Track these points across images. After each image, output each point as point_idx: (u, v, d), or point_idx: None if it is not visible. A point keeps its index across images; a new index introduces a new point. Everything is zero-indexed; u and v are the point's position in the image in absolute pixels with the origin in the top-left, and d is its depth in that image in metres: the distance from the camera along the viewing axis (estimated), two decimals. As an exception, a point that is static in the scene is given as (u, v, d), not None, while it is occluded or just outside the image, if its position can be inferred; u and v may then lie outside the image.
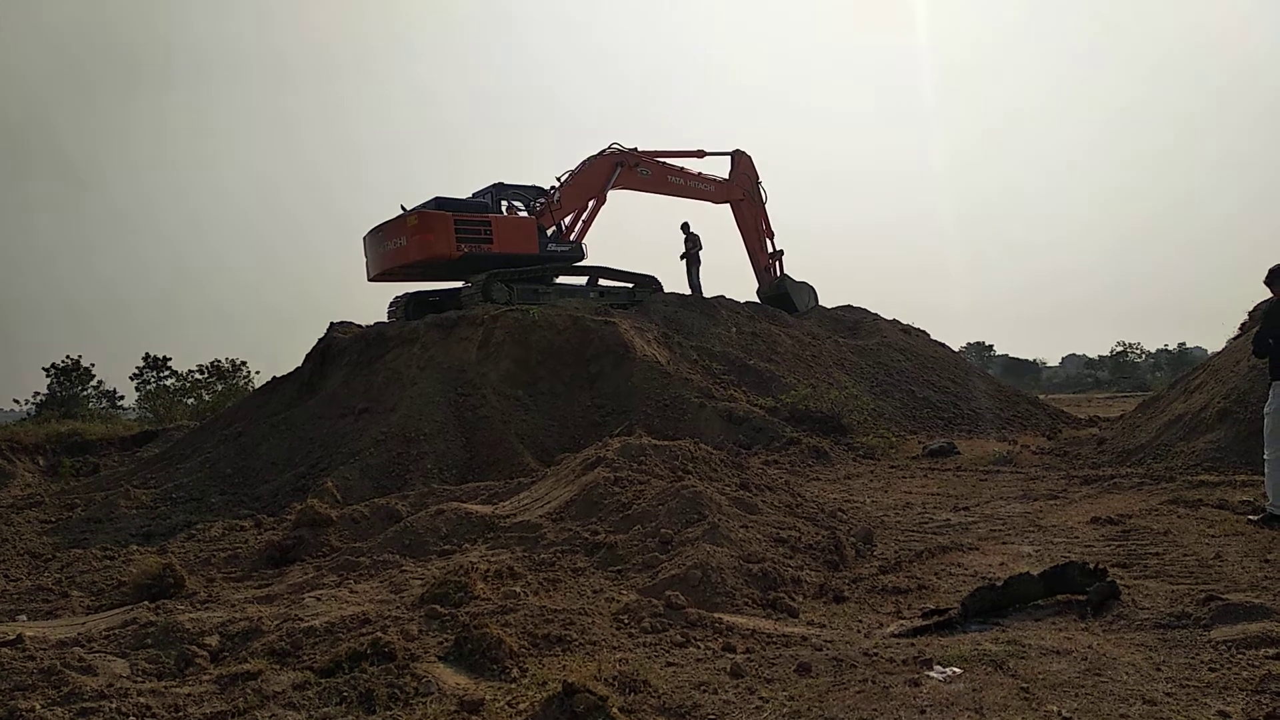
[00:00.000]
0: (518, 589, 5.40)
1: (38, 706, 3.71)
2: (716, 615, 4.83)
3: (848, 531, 6.84)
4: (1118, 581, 4.98)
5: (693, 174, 21.51)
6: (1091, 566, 4.89)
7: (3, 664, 4.59)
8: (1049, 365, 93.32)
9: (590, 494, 7.16)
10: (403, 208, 17.72)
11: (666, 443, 8.34)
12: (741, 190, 22.15)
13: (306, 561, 7.39)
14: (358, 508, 8.62)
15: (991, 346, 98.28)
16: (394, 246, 17.58)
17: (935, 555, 6.27)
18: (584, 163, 19.85)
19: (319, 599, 5.67)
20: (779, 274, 22.52)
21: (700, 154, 21.76)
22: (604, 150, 20.04)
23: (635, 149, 20.32)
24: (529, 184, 19.40)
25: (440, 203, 17.60)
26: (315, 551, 7.70)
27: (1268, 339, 6.97)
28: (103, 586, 7.42)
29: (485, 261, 17.65)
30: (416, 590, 5.64)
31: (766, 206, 22.57)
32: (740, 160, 22.33)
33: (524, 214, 18.93)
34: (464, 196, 18.52)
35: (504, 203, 18.89)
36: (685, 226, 21.36)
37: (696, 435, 12.79)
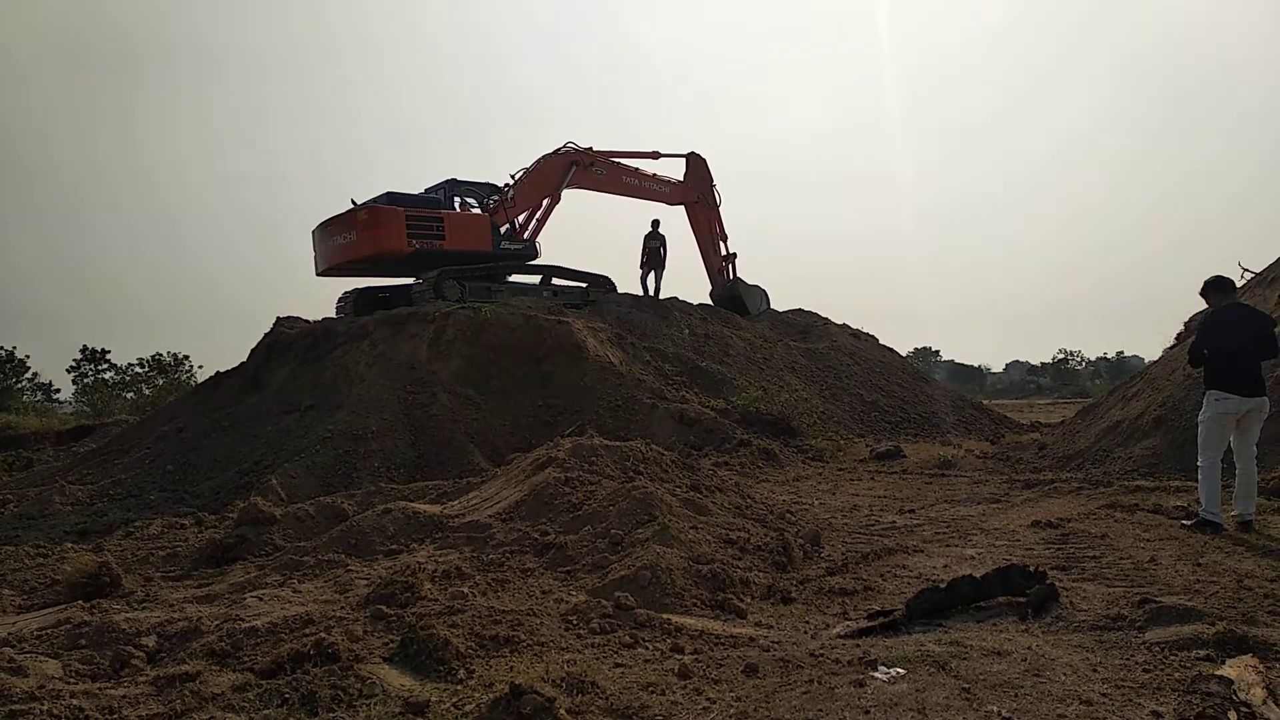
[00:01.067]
0: (465, 589, 5.35)
1: (-37, 710, 3.57)
2: (665, 616, 4.84)
3: (796, 533, 6.90)
4: (1057, 584, 5.11)
5: (648, 175, 21.54)
6: (1032, 569, 5.00)
7: (-73, 666, 4.44)
8: (993, 371, 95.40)
9: (541, 494, 7.13)
10: (353, 201, 17.43)
11: (618, 443, 8.34)
12: (696, 192, 22.19)
13: (249, 561, 7.23)
14: (303, 506, 8.46)
15: (938, 352, 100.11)
16: (343, 241, 17.29)
17: (881, 557, 6.36)
18: (539, 160, 19.75)
19: (261, 599, 5.56)
20: (732, 277, 22.63)
21: (655, 155, 21.78)
22: (559, 149, 19.96)
23: (590, 148, 20.26)
24: (483, 181, 19.26)
25: (392, 198, 17.38)
26: (258, 550, 7.54)
27: (1202, 349, 7.19)
28: (35, 585, 7.17)
29: (437, 258, 17.47)
30: (362, 590, 5.56)
31: (721, 210, 22.69)
32: (695, 163, 22.38)
33: (477, 210, 18.78)
34: (416, 192, 18.31)
35: (457, 199, 18.71)
36: (656, 224, 21.10)
37: (649, 436, 12.81)
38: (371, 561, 6.49)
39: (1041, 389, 64.24)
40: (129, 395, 32.51)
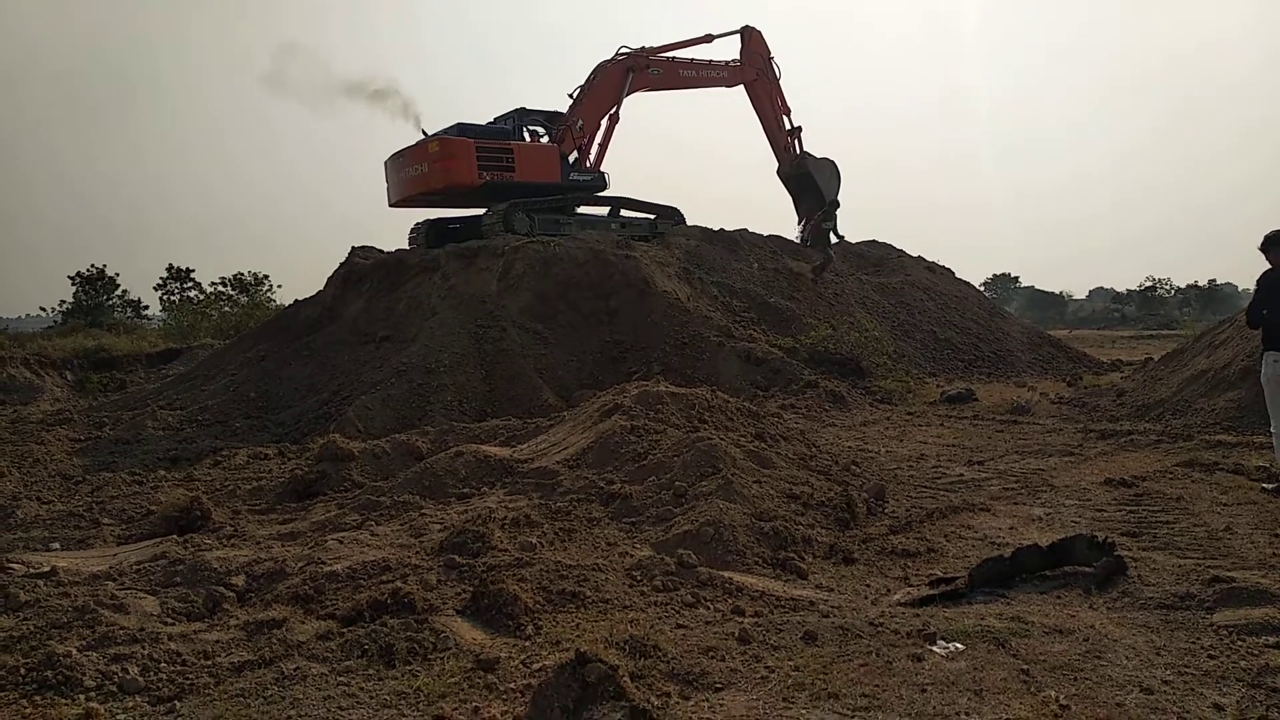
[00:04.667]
0: (534, 539, 5.53)
1: (74, 652, 3.87)
2: (727, 575, 4.94)
3: (860, 487, 6.91)
4: (1126, 552, 5.05)
5: (703, 62, 20.79)
6: (1099, 540, 4.94)
7: (39, 600, 4.80)
8: (1075, 299, 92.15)
9: (607, 442, 7.25)
10: (424, 132, 17.56)
11: (683, 390, 8.39)
12: (754, 69, 21.32)
13: (329, 497, 7.57)
14: (379, 443, 8.78)
15: (1017, 278, 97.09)
16: (415, 173, 17.45)
17: (946, 515, 6.33)
18: (594, 73, 19.39)
19: (341, 541, 5.84)
20: (799, 151, 21.74)
21: (708, 38, 20.95)
22: (613, 56, 19.53)
23: (643, 48, 19.80)
24: (551, 110, 19.11)
25: (463, 129, 17.42)
26: (337, 486, 7.89)
27: (1261, 309, 6.87)
28: (132, 514, 7.64)
29: (507, 190, 17.53)
30: (436, 536, 5.79)
31: (781, 83, 21.74)
32: (751, 38, 21.39)
33: (546, 141, 18.70)
34: (485, 123, 18.27)
35: (526, 129, 18.66)
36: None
37: (714, 375, 12.89)
38: (445, 504, 6.71)
39: (1126, 318, 61.83)
40: (212, 314, 33.76)
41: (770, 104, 21.65)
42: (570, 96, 19.21)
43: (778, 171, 22.00)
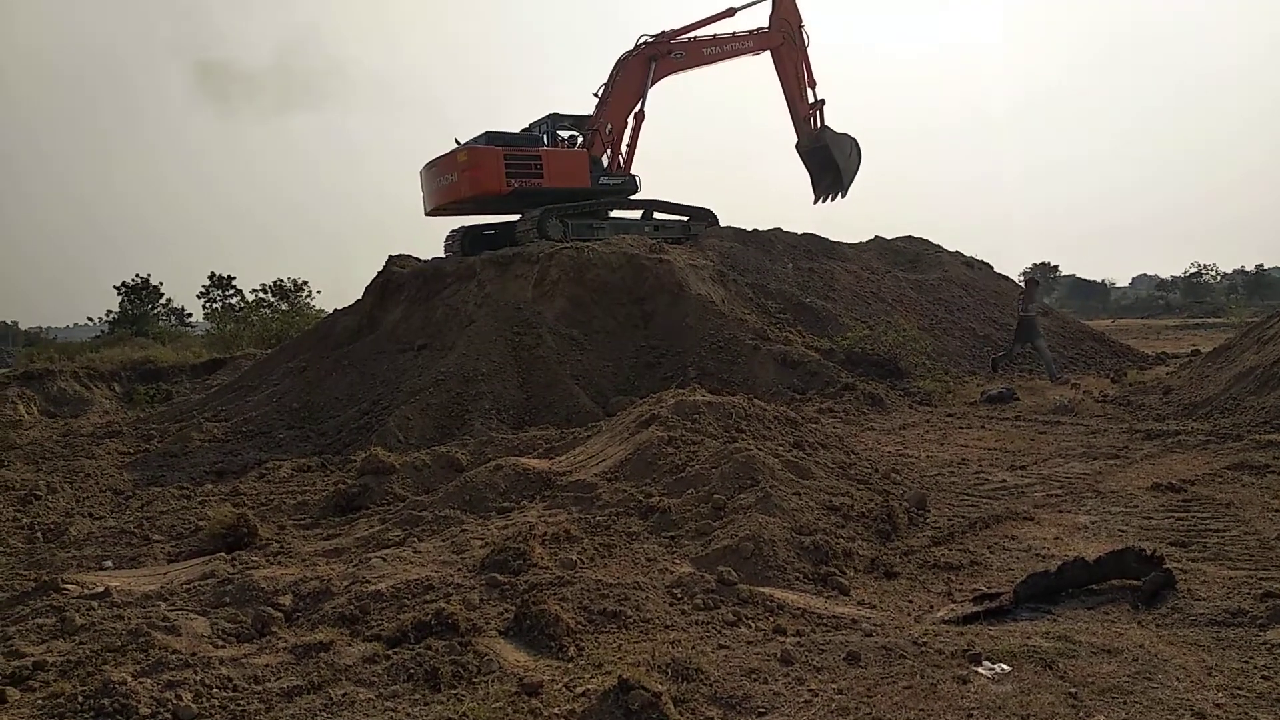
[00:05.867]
0: (574, 556, 5.56)
1: (129, 679, 3.96)
2: (768, 591, 4.93)
3: (901, 496, 6.87)
4: (1174, 564, 4.96)
5: (726, 36, 20.46)
6: (1148, 553, 4.85)
7: (94, 623, 4.93)
8: (1118, 286, 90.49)
9: (644, 453, 7.26)
10: (456, 141, 17.73)
11: (720, 399, 8.38)
12: (781, 35, 20.77)
13: (372, 511, 7.68)
14: (420, 456, 8.88)
15: (1057, 267, 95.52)
16: (446, 182, 17.73)
17: (989, 525, 6.26)
18: (615, 68, 19.32)
19: (384, 559, 5.91)
20: (819, 124, 21.22)
21: (730, 12, 20.55)
22: (633, 48, 19.40)
23: (663, 33, 19.63)
24: (582, 114, 19.17)
25: (490, 137, 17.64)
26: (380, 500, 8.00)
27: None
28: (181, 531, 7.82)
29: (537, 196, 17.65)
30: (477, 552, 5.84)
31: (809, 51, 21.23)
32: (781, 2, 20.88)
33: (577, 145, 18.77)
34: (517, 130, 18.39)
35: (560, 134, 18.76)
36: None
37: (750, 379, 12.86)
38: (485, 519, 6.77)
39: (1170, 306, 60.53)
40: (253, 319, 34.38)
41: (794, 72, 21.06)
42: (595, 96, 19.24)
43: (796, 145, 21.61)
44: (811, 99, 21.34)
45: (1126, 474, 7.81)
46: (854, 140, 21.53)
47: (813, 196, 22.16)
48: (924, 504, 6.77)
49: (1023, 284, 15.70)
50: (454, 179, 17.50)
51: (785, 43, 20.88)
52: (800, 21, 21.09)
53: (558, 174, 17.85)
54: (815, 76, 21.31)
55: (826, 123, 21.29)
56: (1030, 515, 6.53)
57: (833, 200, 22.00)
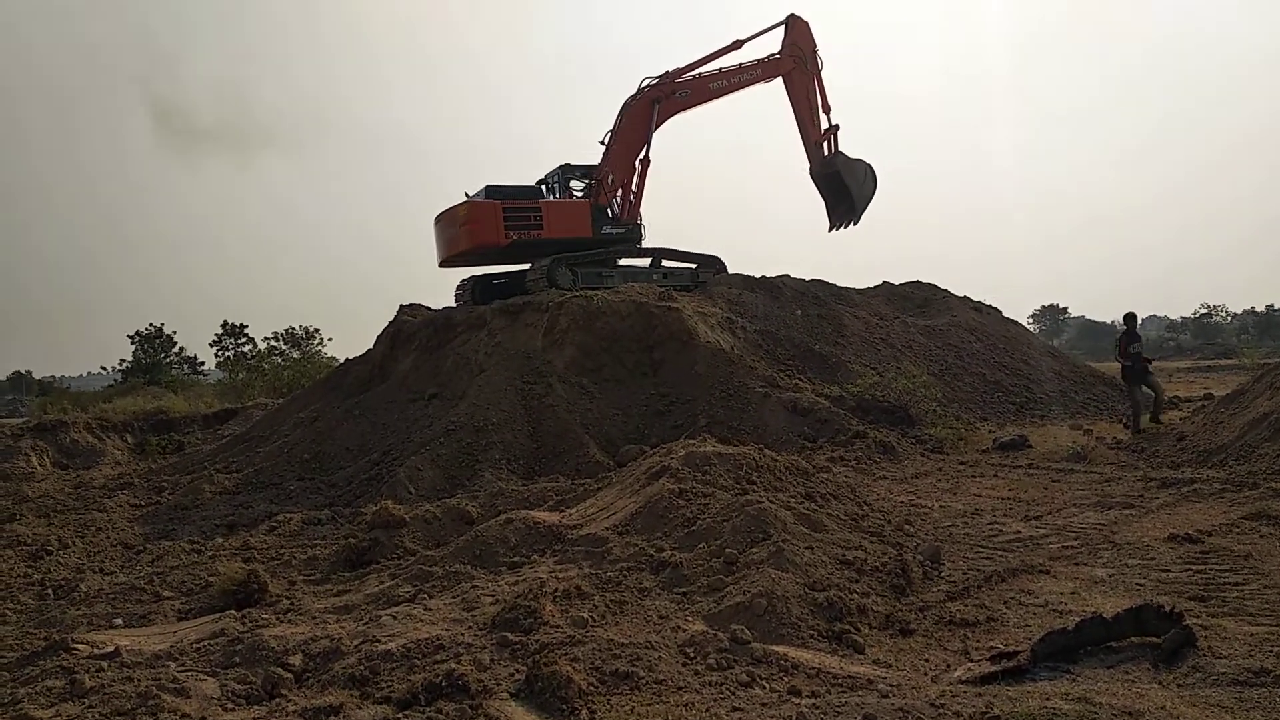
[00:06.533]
0: (586, 614, 5.51)
1: (139, 746, 3.93)
2: (781, 650, 4.87)
3: (915, 549, 6.81)
4: (1194, 619, 4.89)
5: (733, 69, 20.36)
6: (1167, 609, 4.79)
7: (103, 685, 4.90)
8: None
9: (655, 506, 7.24)
10: (466, 194, 18.06)
11: (731, 449, 8.36)
12: (792, 60, 20.62)
13: (382, 566, 7.66)
14: (430, 508, 8.87)
15: (1066, 309, 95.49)
16: (451, 235, 18.27)
17: (1005, 579, 6.19)
18: (621, 113, 19.49)
19: (395, 617, 5.87)
20: (833, 150, 20.90)
21: (737, 44, 20.42)
22: (637, 92, 19.52)
23: (666, 73, 19.70)
24: (590, 164, 19.42)
25: (490, 191, 18.10)
26: (390, 554, 7.98)
27: None
28: (191, 586, 7.80)
29: (537, 247, 18.01)
30: (488, 609, 5.81)
31: (823, 75, 21.02)
32: (796, 26, 20.70)
33: (580, 196, 19.06)
34: (519, 183, 18.76)
35: (571, 183, 19.05)
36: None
37: (761, 426, 12.83)
38: (496, 574, 6.74)
39: (1181, 348, 60.30)
40: (264, 367, 34.62)
41: (805, 97, 20.86)
42: (602, 144, 19.47)
43: (809, 172, 21.40)
44: (826, 124, 21.10)
45: (1142, 524, 7.73)
46: (868, 166, 21.22)
47: (828, 225, 21.89)
48: (938, 557, 6.71)
49: (1122, 323, 14.11)
50: (456, 232, 18.03)
51: (796, 68, 20.73)
52: (814, 46, 20.98)
53: (558, 225, 18.21)
54: (830, 101, 21.14)
55: (840, 148, 21.03)
56: (1046, 568, 6.46)
57: (846, 228, 21.71)
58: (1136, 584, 5.98)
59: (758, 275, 19.33)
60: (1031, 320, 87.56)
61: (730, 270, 20.08)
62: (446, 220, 18.49)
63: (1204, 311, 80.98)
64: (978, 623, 5.39)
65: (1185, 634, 4.64)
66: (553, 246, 18.02)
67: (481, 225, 17.63)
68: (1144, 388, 13.56)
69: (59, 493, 13.51)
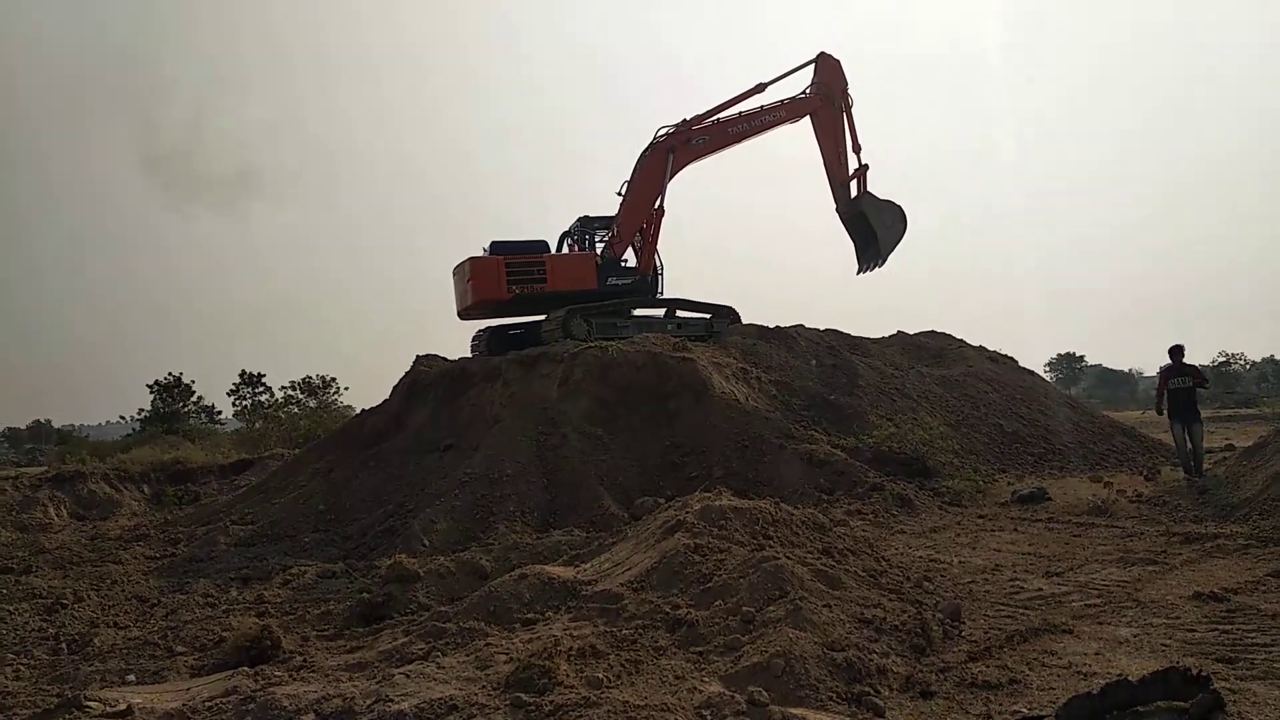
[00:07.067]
0: (600, 674, 5.45)
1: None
2: (800, 713, 4.79)
3: (935, 607, 6.71)
4: (1222, 683, 4.79)
5: (753, 111, 20.03)
6: (1194, 673, 4.68)
7: (116, 746, 4.88)
8: (1146, 375, 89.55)
9: (671, 562, 7.18)
10: (484, 249, 18.44)
11: (747, 504, 8.31)
12: (818, 99, 20.27)
13: (396, 622, 7.62)
14: (444, 562, 8.85)
15: (1082, 358, 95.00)
16: (461, 289, 18.88)
17: (1027, 639, 6.08)
18: (637, 165, 19.56)
19: (408, 675, 5.82)
20: (861, 191, 20.46)
21: (760, 88, 20.08)
22: (652, 141, 19.50)
23: (683, 121, 19.59)
24: (609, 215, 19.67)
25: (496, 247, 18.54)
26: (404, 609, 7.95)
27: None
28: (205, 642, 7.77)
29: (541, 301, 18.39)
30: (502, 668, 5.75)
31: (854, 112, 20.49)
32: (825, 65, 20.31)
33: (588, 248, 19.44)
34: (524, 239, 19.07)
35: (588, 236, 19.35)
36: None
37: (776, 478, 12.76)
38: (510, 631, 6.69)
39: (1201, 397, 59.58)
40: (281, 415, 34.87)
41: (831, 136, 20.48)
42: (619, 195, 19.67)
43: (836, 211, 21.03)
44: (856, 164, 20.70)
45: (1166, 581, 7.60)
46: (897, 208, 20.72)
47: (856, 267, 21.47)
48: (958, 615, 6.60)
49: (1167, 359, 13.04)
50: (464, 287, 18.59)
51: (823, 106, 20.42)
52: (845, 84, 20.59)
53: (562, 278, 18.53)
54: (860, 141, 20.69)
55: (869, 189, 20.66)
56: (1069, 627, 6.34)
57: (871, 270, 21.26)
58: (1161, 644, 5.87)
59: (772, 326, 19.34)
60: (1048, 369, 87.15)
61: (745, 320, 20.12)
62: (458, 275, 18.99)
63: (1223, 360, 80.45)
64: (1000, 685, 5.28)
65: (1214, 698, 4.53)
66: (556, 300, 18.32)
67: (484, 281, 18.13)
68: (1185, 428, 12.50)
69: (75, 544, 13.55)
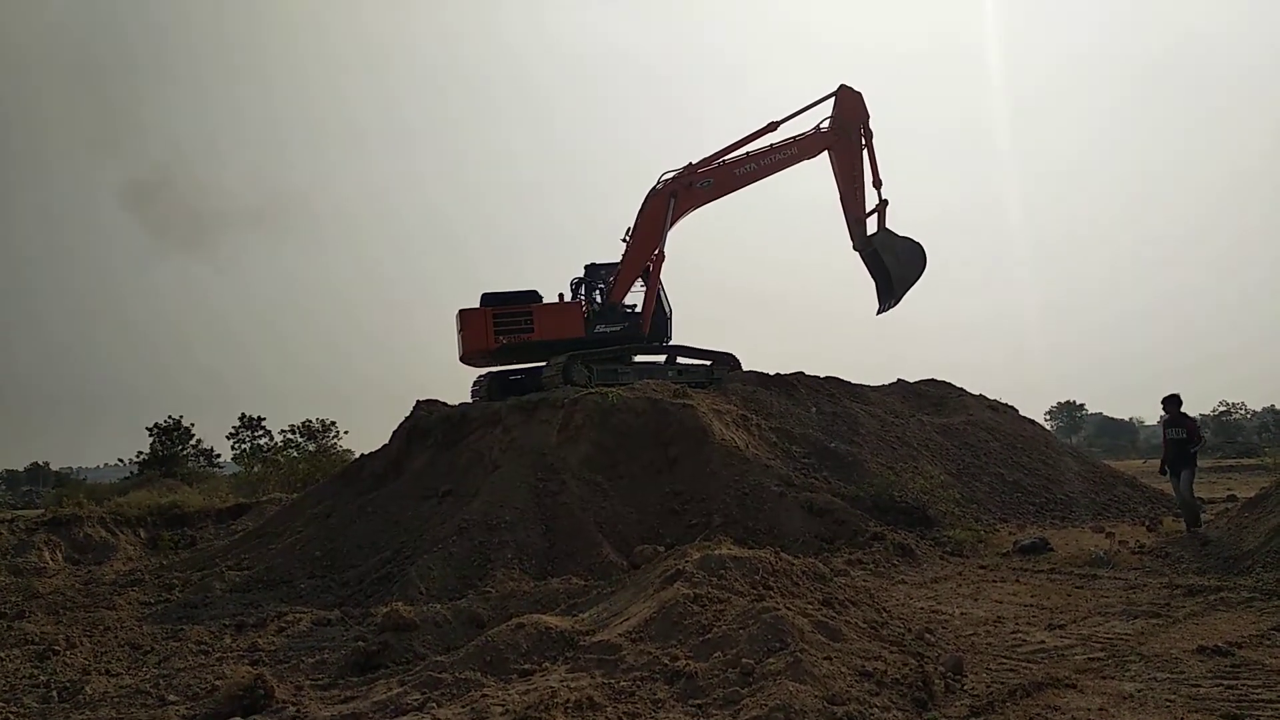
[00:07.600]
0: (597, 728, 5.38)
1: None
2: (800, 769, 4.73)
3: (936, 659, 6.64)
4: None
5: (763, 150, 19.58)
6: (1199, 730, 4.63)
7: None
8: (1147, 424, 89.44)
9: (670, 613, 7.12)
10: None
11: (746, 553, 8.26)
12: (835, 133, 19.69)
13: (391, 671, 7.51)
14: (441, 610, 8.76)
15: (1083, 406, 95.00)
16: (457, 338, 19.30)
17: (1030, 694, 6.00)
18: (640, 209, 19.62)
19: (402, 728, 5.76)
20: (879, 228, 19.92)
21: (772, 126, 19.63)
22: (655, 185, 19.40)
23: (689, 165, 19.41)
24: (614, 262, 19.82)
25: (485, 299, 18.96)
26: (399, 658, 7.85)
27: None
28: (197, 690, 7.66)
29: (528, 350, 18.79)
30: (498, 719, 5.68)
31: (874, 145, 19.92)
32: (845, 98, 19.72)
33: (594, 295, 19.74)
34: (514, 289, 19.36)
35: (595, 284, 19.58)
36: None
37: (776, 527, 12.70)
38: (506, 682, 6.61)
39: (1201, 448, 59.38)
40: (280, 459, 34.79)
41: (847, 171, 19.89)
42: (624, 241, 19.79)
43: (853, 248, 20.54)
44: (877, 199, 20.15)
45: (1170, 634, 7.53)
46: (915, 245, 20.11)
47: (877, 306, 20.94)
48: (960, 668, 6.52)
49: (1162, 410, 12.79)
50: (458, 337, 19.15)
51: (840, 139, 19.84)
52: (866, 117, 19.96)
53: (548, 327, 18.86)
54: (881, 176, 20.10)
55: (888, 225, 20.17)
56: (1072, 682, 6.27)
57: (887, 309, 20.74)
58: (1166, 700, 5.80)
59: (772, 373, 19.37)
60: (1048, 417, 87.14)
61: (745, 368, 20.15)
62: (457, 322, 19.31)
63: (1223, 409, 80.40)
64: (1003, 741, 5.22)
65: (1219, 757, 4.48)
66: (544, 349, 18.64)
67: (471, 332, 18.71)
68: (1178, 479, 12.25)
69: (69, 589, 13.44)
